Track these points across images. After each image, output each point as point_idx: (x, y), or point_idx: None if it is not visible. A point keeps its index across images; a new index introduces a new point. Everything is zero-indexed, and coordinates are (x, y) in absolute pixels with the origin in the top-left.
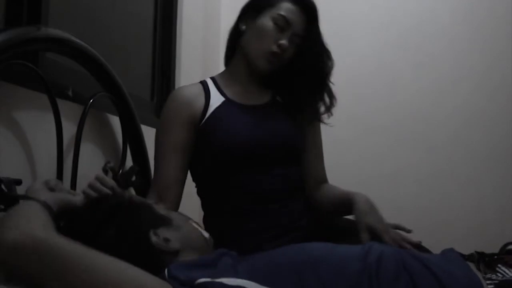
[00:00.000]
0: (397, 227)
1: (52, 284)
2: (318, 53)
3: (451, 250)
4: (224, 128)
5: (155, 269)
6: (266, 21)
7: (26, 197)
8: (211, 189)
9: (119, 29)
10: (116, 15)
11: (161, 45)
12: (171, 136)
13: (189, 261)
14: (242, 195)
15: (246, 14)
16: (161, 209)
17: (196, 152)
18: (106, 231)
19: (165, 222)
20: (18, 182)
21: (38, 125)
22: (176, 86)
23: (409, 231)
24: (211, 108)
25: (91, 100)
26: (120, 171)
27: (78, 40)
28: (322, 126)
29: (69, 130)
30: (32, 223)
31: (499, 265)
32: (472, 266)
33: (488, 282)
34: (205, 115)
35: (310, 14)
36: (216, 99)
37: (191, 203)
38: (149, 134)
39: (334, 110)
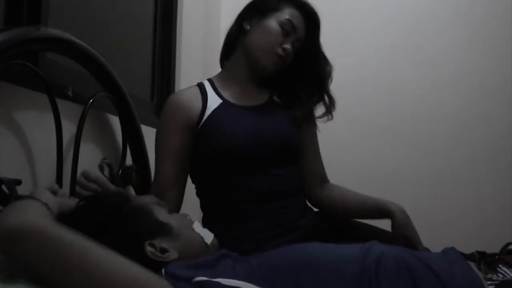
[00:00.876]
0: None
1: (49, 272)
2: (317, 59)
3: (452, 249)
4: (222, 130)
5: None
6: (273, 24)
7: (28, 197)
8: (210, 190)
9: (119, 29)
10: (116, 15)
11: (161, 45)
12: (168, 142)
13: (189, 261)
14: (241, 196)
15: (250, 15)
16: (163, 213)
17: (194, 154)
18: (102, 237)
19: (163, 230)
20: (18, 182)
21: (38, 125)
22: (176, 86)
23: None
24: (209, 111)
25: (91, 100)
26: (120, 171)
27: (78, 40)
28: (322, 126)
29: (69, 130)
30: (32, 214)
31: (500, 265)
32: (473, 265)
33: (488, 282)
34: (202, 118)
35: (312, 22)
36: (214, 101)
37: (190, 203)
38: (149, 134)
39: (334, 111)
